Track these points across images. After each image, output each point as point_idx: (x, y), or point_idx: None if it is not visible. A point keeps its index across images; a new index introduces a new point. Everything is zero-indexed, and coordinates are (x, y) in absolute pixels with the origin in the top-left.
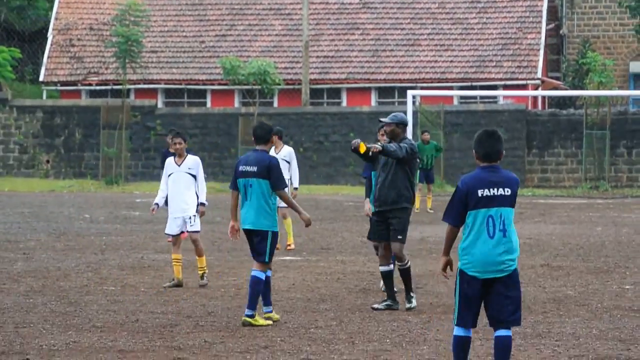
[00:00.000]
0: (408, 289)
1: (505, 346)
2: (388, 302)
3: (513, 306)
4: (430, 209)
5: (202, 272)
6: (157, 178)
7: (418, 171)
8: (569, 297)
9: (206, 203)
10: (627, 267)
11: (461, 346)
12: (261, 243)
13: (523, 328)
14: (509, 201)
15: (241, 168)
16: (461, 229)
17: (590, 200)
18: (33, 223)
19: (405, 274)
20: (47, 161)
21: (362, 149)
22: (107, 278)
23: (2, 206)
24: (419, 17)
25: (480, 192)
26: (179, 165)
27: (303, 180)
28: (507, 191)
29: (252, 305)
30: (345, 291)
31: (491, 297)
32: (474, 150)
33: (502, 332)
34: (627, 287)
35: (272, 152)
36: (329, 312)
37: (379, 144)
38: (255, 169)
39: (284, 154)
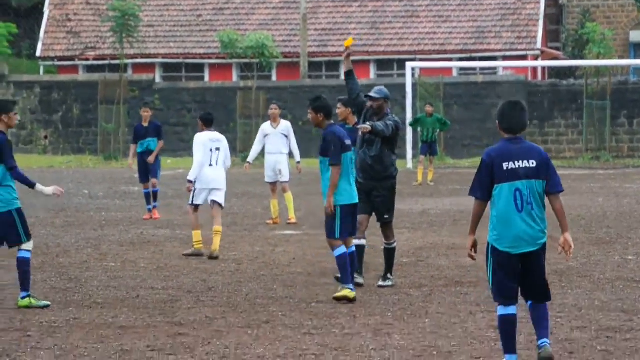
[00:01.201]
0: (388, 268)
1: (543, 313)
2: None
3: (544, 280)
4: (431, 182)
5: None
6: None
7: (420, 144)
8: (571, 268)
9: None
10: (630, 238)
11: (507, 325)
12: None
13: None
14: (535, 173)
15: (347, 142)
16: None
17: (591, 171)
18: (31, 199)
19: (389, 253)
20: (45, 137)
21: (348, 43)
22: (107, 254)
23: None
24: None
25: (505, 165)
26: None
27: (303, 154)
28: (532, 163)
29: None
30: None
31: (524, 272)
32: (497, 122)
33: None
34: (629, 257)
35: (269, 127)
36: (330, 287)
37: (369, 123)
38: None
39: (282, 127)
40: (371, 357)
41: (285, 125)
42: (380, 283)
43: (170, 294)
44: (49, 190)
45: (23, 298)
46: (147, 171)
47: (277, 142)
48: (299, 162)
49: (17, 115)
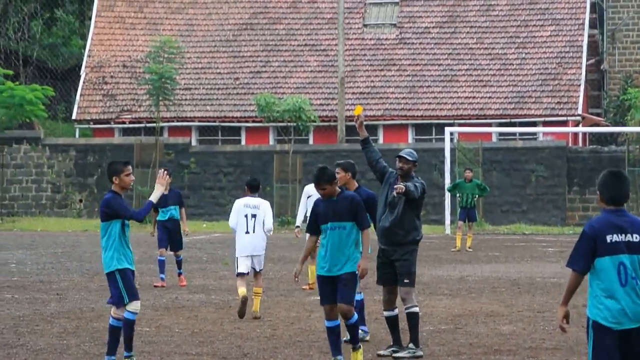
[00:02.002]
0: (412, 337)
1: None
2: (394, 348)
3: None
4: (470, 248)
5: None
6: (192, 216)
7: (459, 209)
8: None
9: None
10: None
11: None
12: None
13: None
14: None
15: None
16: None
17: None
18: (66, 263)
19: (412, 319)
20: (80, 200)
21: (358, 112)
22: (141, 319)
23: (35, 246)
24: (457, 53)
25: (609, 238)
26: None
27: None
28: (636, 237)
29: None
30: (384, 331)
31: (627, 350)
32: (598, 192)
33: None
34: None
35: (313, 189)
36: (367, 354)
37: (403, 184)
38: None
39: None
40: None
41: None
42: (396, 355)
43: None
44: (159, 188)
45: (126, 357)
46: (168, 239)
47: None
48: None
49: (131, 175)
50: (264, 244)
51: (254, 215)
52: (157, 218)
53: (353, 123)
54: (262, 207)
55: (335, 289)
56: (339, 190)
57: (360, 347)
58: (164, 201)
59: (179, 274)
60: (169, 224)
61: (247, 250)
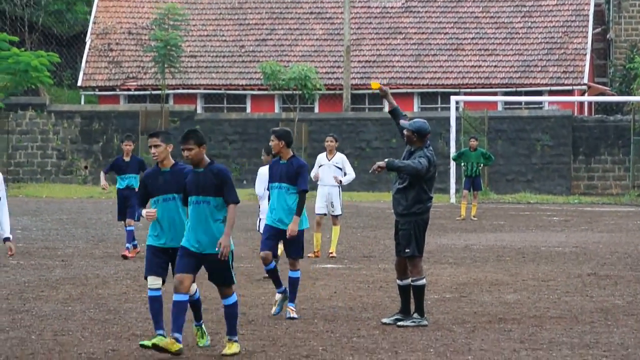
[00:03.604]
0: (416, 307)
1: None
2: (398, 317)
3: None
4: (475, 217)
5: None
6: None
7: (464, 178)
8: (617, 306)
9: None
10: None
11: None
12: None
13: (570, 337)
14: None
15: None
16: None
17: (638, 208)
18: (71, 230)
19: (417, 291)
20: (85, 167)
21: (375, 86)
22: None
23: (40, 212)
24: (463, 22)
25: None
26: None
27: (344, 187)
28: None
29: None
30: (388, 300)
31: None
32: None
33: None
34: None
35: (324, 158)
36: (371, 321)
37: (386, 160)
38: None
39: (336, 159)
40: None
41: (339, 157)
42: (400, 323)
43: (210, 326)
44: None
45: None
46: (125, 209)
47: (330, 174)
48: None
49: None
50: None
51: None
52: (116, 186)
53: (358, 91)
54: None
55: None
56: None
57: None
58: (123, 168)
59: (134, 246)
60: (126, 192)
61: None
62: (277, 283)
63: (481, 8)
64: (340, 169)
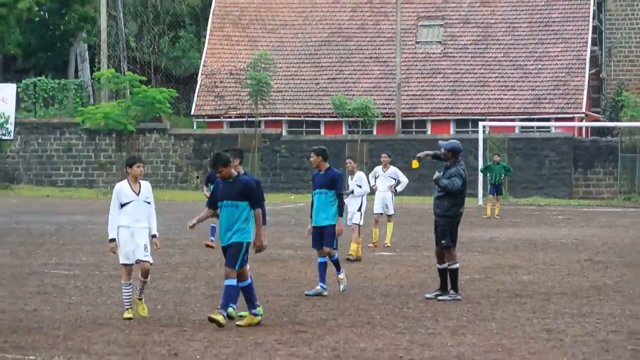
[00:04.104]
0: (452, 285)
1: None
2: (438, 292)
3: None
4: (497, 216)
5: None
6: (283, 190)
7: (489, 185)
8: (607, 285)
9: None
10: None
11: None
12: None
13: (571, 309)
14: None
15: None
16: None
17: (624, 209)
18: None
19: (452, 273)
20: (197, 177)
21: (415, 165)
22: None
23: (162, 212)
24: (488, 64)
25: None
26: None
27: (398, 192)
28: None
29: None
30: (430, 279)
31: None
32: None
33: None
34: None
35: (380, 170)
36: (417, 296)
37: (437, 177)
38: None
39: (390, 172)
40: (449, 351)
41: (393, 170)
42: (440, 297)
43: (293, 300)
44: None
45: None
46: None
47: (386, 183)
48: (396, 187)
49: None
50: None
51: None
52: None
53: (407, 118)
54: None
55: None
56: (236, 173)
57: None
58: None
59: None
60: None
61: None
62: (337, 267)
63: (502, 53)
64: (395, 179)
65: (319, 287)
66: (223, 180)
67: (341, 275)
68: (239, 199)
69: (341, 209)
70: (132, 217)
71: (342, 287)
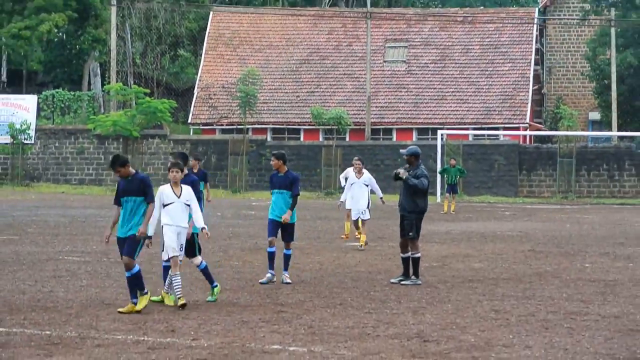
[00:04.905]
0: (414, 271)
1: None
2: (401, 278)
3: None
4: (453, 212)
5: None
6: (267, 188)
7: (446, 185)
8: (547, 271)
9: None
10: (587, 251)
11: None
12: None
13: (516, 292)
14: None
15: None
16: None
17: (561, 206)
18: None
19: (414, 261)
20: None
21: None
22: (233, 256)
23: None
24: (446, 80)
25: None
26: None
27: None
28: None
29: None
30: (395, 266)
31: None
32: None
33: None
34: (586, 265)
35: (352, 172)
36: (383, 281)
37: (404, 175)
38: None
39: (365, 178)
40: (411, 329)
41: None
42: (403, 282)
43: (274, 284)
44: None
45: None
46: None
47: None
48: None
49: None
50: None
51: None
52: None
53: (375, 127)
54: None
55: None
56: (134, 172)
57: (146, 293)
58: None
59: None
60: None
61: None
62: (286, 264)
63: (458, 71)
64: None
65: (269, 274)
66: (123, 179)
67: (286, 274)
68: (137, 194)
69: (293, 206)
70: (173, 217)
71: (286, 280)
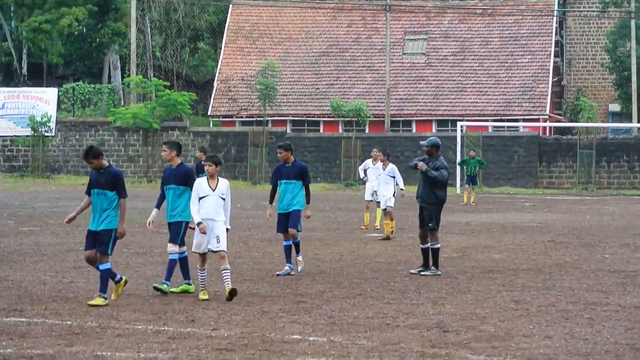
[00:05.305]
0: (434, 262)
1: None
2: (421, 268)
3: None
4: (473, 203)
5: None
6: None
7: (466, 177)
8: (567, 262)
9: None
10: (607, 242)
11: None
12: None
13: (536, 283)
14: None
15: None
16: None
17: (582, 197)
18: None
19: (434, 252)
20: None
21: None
22: (253, 247)
23: None
24: (466, 73)
25: None
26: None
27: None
28: None
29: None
30: (414, 257)
31: None
32: None
33: None
34: (606, 256)
35: (371, 163)
36: (402, 272)
37: (423, 167)
38: None
39: (390, 169)
40: (430, 319)
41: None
42: (423, 273)
43: (295, 275)
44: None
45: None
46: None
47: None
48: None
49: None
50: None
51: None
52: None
53: (395, 119)
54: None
55: (94, 240)
56: (107, 164)
57: (121, 280)
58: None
59: None
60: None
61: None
62: (297, 249)
63: (478, 63)
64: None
65: (287, 267)
66: (95, 171)
67: (299, 258)
68: (108, 188)
69: (308, 197)
70: (206, 210)
71: (300, 268)
